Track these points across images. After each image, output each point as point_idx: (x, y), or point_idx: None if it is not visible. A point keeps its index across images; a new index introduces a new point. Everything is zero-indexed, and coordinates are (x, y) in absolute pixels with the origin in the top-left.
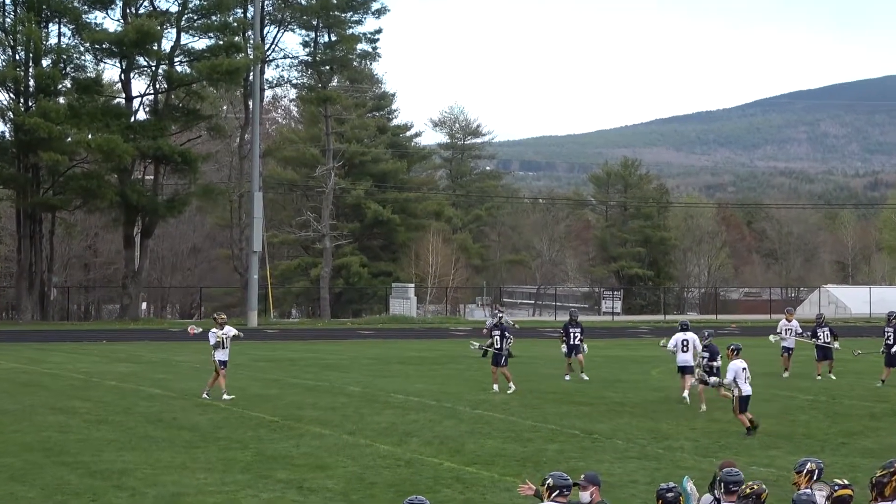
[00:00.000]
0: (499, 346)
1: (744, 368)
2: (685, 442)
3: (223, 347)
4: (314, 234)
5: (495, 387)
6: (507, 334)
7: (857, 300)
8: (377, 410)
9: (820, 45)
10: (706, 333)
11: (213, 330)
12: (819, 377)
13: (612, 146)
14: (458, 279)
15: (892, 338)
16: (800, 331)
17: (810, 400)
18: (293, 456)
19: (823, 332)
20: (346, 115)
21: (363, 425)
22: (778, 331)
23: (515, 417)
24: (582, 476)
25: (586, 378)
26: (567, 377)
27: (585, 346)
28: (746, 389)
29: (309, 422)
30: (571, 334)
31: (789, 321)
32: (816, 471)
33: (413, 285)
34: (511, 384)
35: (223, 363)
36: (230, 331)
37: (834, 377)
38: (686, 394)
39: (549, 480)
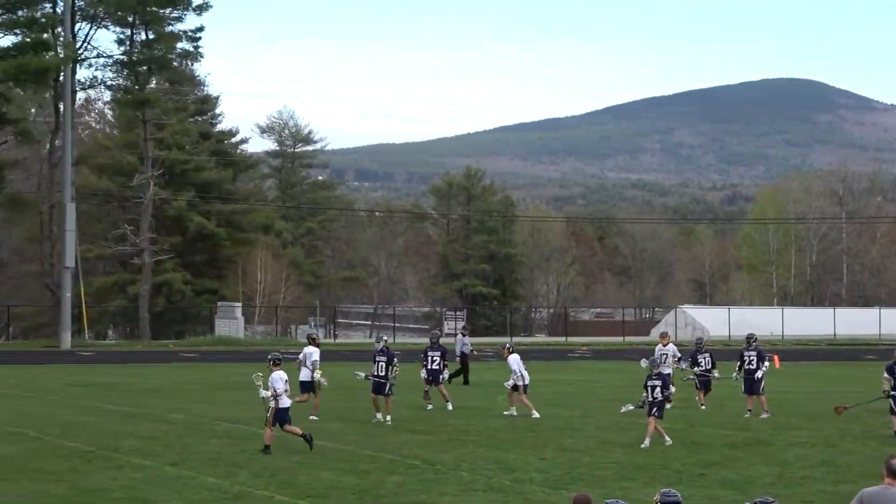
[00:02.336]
0: (383, 373)
1: (286, 381)
2: (534, 473)
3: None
4: (132, 249)
5: (377, 416)
6: (395, 361)
7: (714, 321)
8: (202, 439)
9: (673, 49)
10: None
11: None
12: (703, 406)
13: (453, 155)
14: (289, 297)
15: (754, 362)
16: (678, 356)
17: (666, 429)
18: (111, 489)
19: (705, 359)
20: (166, 120)
21: (187, 455)
22: (657, 357)
23: (352, 447)
24: None
25: (450, 408)
26: (430, 406)
27: (447, 372)
28: (286, 402)
29: (128, 452)
30: (430, 358)
31: (665, 346)
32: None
33: (240, 304)
34: (389, 416)
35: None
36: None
37: (704, 407)
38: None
39: None
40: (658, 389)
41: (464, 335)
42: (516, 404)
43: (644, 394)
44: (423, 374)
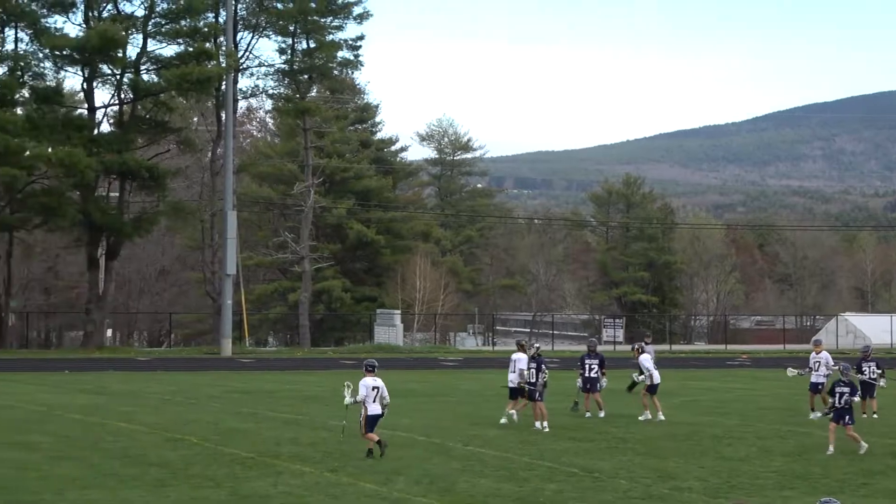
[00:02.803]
0: (533, 379)
1: (375, 388)
2: (693, 482)
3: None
4: (292, 257)
5: (537, 423)
6: (543, 367)
7: (877, 329)
8: (361, 446)
9: (835, 55)
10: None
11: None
12: (864, 415)
13: (612, 162)
14: (447, 305)
15: None
16: (832, 364)
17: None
18: (271, 495)
19: (869, 367)
20: (327, 128)
21: (346, 462)
22: (810, 365)
23: (510, 454)
24: None
25: (602, 415)
26: (588, 414)
27: (605, 380)
28: (375, 409)
29: (287, 458)
30: (588, 366)
31: (818, 353)
32: None
33: (399, 312)
34: (545, 423)
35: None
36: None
37: (877, 416)
38: (510, 416)
39: None
40: (846, 396)
41: (647, 342)
42: (650, 406)
43: (831, 399)
44: (579, 382)
